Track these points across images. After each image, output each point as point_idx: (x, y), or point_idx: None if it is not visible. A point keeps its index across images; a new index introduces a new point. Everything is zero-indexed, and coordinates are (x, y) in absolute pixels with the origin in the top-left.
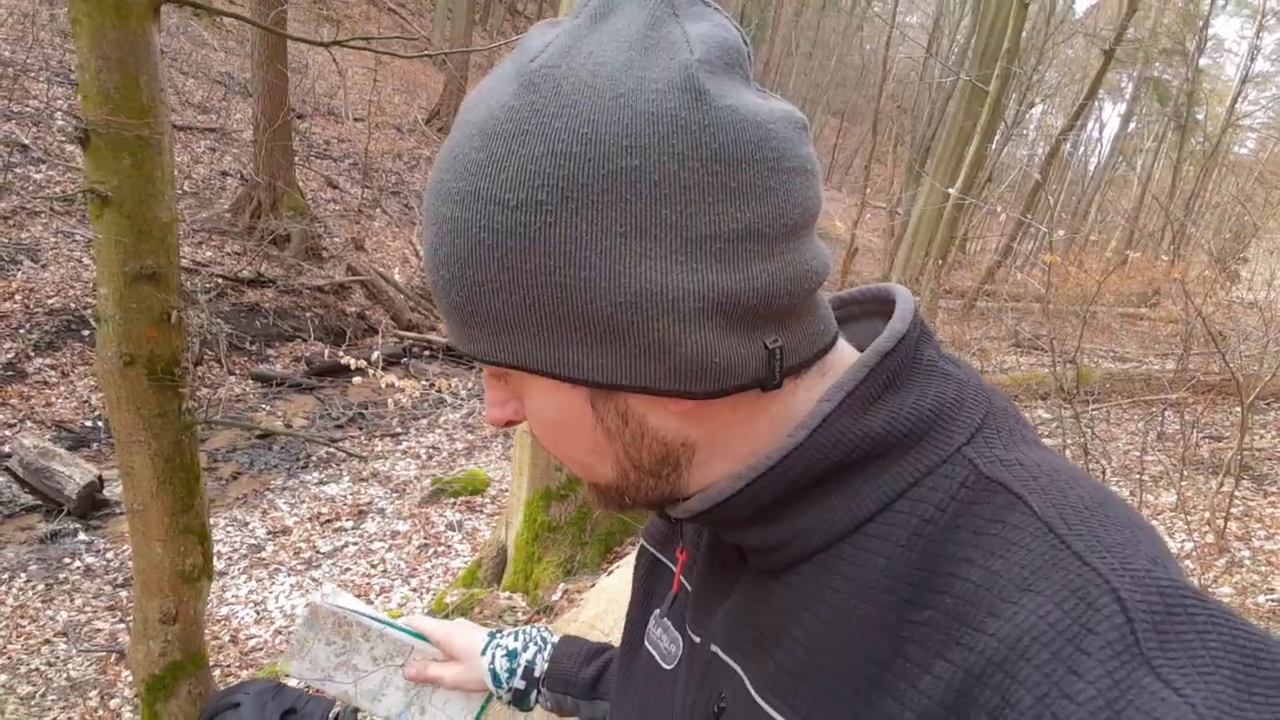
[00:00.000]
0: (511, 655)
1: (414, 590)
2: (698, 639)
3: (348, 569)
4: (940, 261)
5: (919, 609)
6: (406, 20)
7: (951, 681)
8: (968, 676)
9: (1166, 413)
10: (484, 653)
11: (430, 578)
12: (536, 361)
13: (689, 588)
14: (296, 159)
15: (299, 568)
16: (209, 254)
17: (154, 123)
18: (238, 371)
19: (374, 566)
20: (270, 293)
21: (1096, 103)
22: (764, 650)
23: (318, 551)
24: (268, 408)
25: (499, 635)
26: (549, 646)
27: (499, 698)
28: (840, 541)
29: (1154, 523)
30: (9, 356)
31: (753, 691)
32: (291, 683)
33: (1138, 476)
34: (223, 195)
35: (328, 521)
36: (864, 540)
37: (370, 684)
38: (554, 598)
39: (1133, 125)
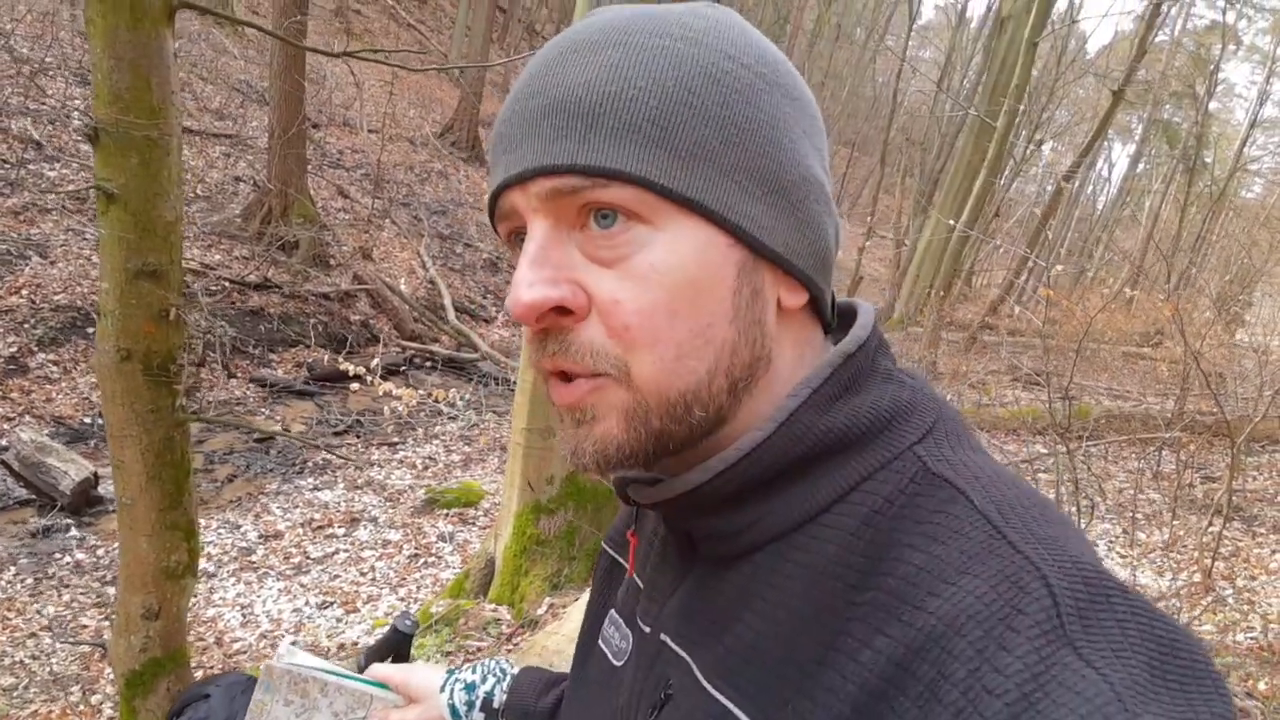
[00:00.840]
0: (470, 688)
1: (401, 600)
2: (648, 629)
3: (337, 576)
4: (943, 293)
5: (863, 591)
6: (425, 36)
7: (892, 655)
8: (907, 651)
9: (1163, 451)
10: (442, 689)
11: (418, 588)
12: (722, 202)
13: (639, 582)
14: (309, 167)
15: (289, 573)
16: (217, 257)
17: (163, 124)
18: (239, 374)
19: (363, 574)
20: (276, 298)
21: (1106, 143)
22: (713, 637)
23: (308, 557)
24: (267, 412)
25: (457, 671)
26: (508, 678)
27: None
28: (795, 531)
29: (1143, 560)
30: (12, 351)
31: (700, 677)
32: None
33: (1130, 514)
34: (235, 200)
35: (320, 528)
36: (817, 530)
37: None
38: (539, 611)
39: (1141, 166)
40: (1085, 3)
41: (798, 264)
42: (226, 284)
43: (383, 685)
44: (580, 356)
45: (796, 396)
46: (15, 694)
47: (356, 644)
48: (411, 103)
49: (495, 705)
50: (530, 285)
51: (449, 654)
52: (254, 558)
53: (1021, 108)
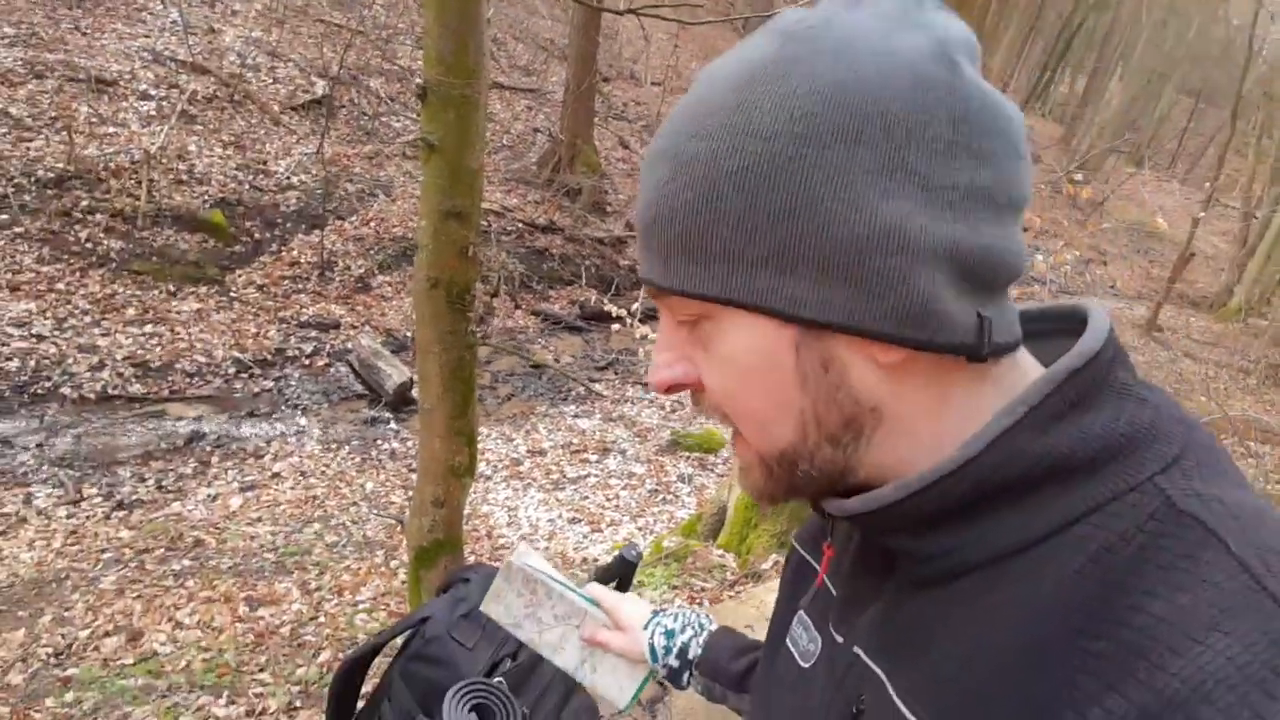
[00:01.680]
0: (669, 634)
1: (639, 528)
2: (840, 639)
3: (586, 497)
4: None
5: (1093, 639)
6: None
7: (1125, 717)
8: (1142, 714)
9: None
10: (645, 627)
11: (655, 520)
12: (756, 294)
13: (833, 589)
14: (596, 119)
15: (548, 486)
16: (514, 201)
17: (475, 84)
18: (523, 306)
19: (609, 500)
20: (558, 240)
21: None
22: (910, 657)
23: (565, 476)
24: (542, 342)
25: (661, 614)
26: (705, 633)
27: (655, 673)
28: (1005, 559)
29: None
30: (360, 272)
31: (894, 697)
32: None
33: None
34: (532, 149)
35: (576, 451)
36: (1032, 562)
37: (551, 637)
38: (764, 566)
39: None
40: None
41: (870, 327)
42: (520, 225)
43: (595, 604)
44: (713, 415)
45: (1010, 415)
46: (335, 549)
47: (596, 560)
48: (694, 55)
49: (690, 656)
50: (656, 367)
51: (675, 588)
52: (521, 469)
53: None
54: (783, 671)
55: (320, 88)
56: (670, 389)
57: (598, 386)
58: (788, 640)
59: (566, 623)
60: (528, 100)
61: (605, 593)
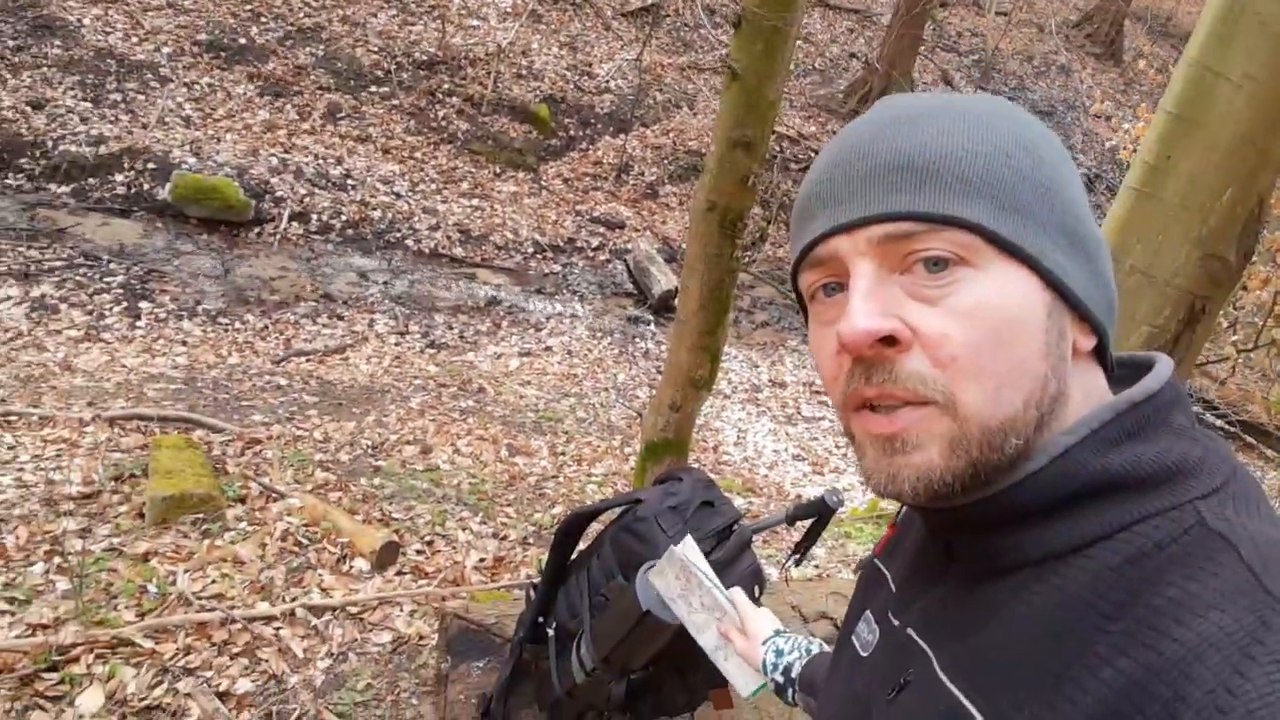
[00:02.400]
0: (779, 653)
1: (860, 483)
2: (897, 623)
3: (816, 438)
4: None
5: (1115, 621)
6: None
7: (1131, 674)
8: (1148, 672)
9: None
10: (764, 643)
11: None
12: (1038, 248)
13: (892, 582)
14: (922, 49)
15: (780, 419)
16: (812, 129)
17: (789, 17)
18: None
19: (838, 447)
20: None
21: None
22: (956, 638)
23: (799, 413)
24: None
25: (779, 635)
26: (809, 656)
27: (767, 685)
28: (1053, 559)
29: None
30: (651, 179)
31: (939, 670)
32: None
33: None
34: (843, 76)
35: (818, 392)
36: (1078, 560)
37: (697, 620)
38: None
39: None
40: None
41: (1094, 310)
42: (811, 154)
43: (733, 606)
44: (910, 383)
45: (1073, 434)
46: (583, 424)
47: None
48: None
49: (793, 675)
50: (867, 315)
51: None
52: (759, 395)
53: None
54: (843, 662)
55: None
56: (871, 345)
57: None
58: (852, 638)
59: (710, 613)
60: (850, 22)
61: (742, 600)
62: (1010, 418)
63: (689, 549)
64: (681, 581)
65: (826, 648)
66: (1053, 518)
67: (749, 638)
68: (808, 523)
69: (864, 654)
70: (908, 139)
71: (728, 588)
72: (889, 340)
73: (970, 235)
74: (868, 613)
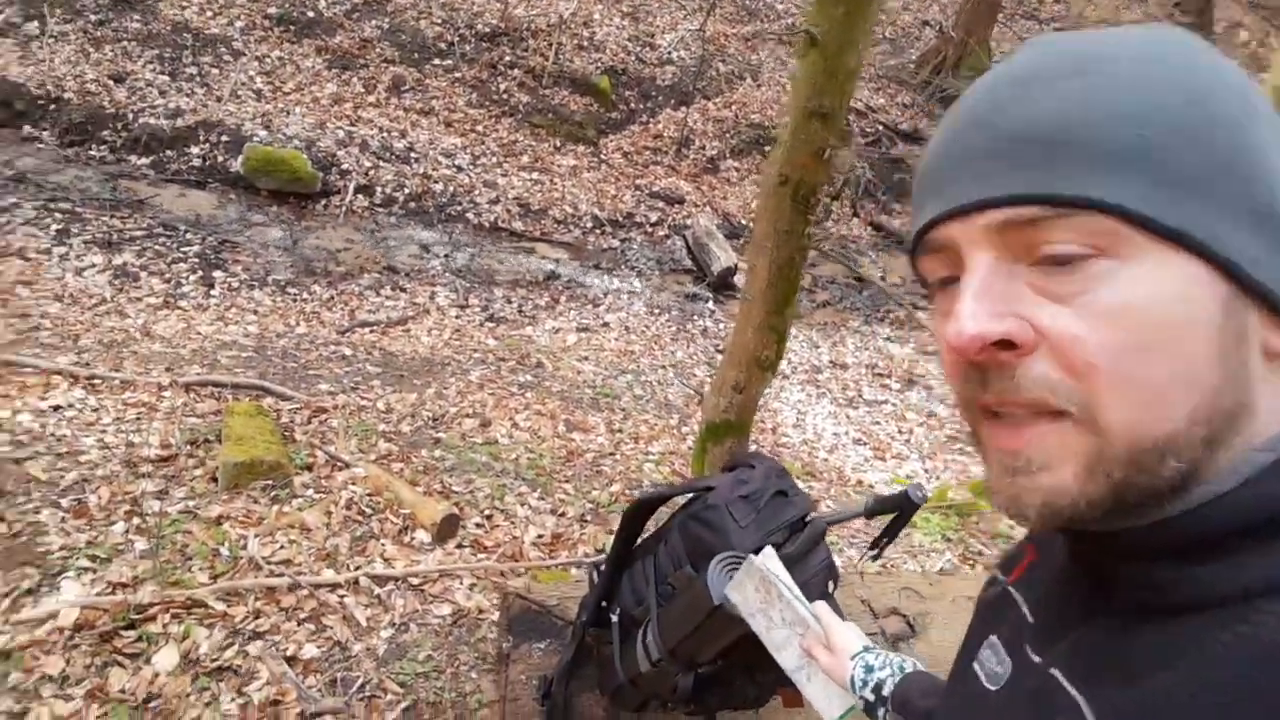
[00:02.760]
0: (869, 669)
1: (926, 470)
2: (1037, 659)
3: (878, 422)
4: None
5: None
6: None
7: None
8: None
9: None
10: (852, 658)
11: (944, 468)
12: (1209, 231)
13: (1028, 613)
14: (1001, 16)
15: (841, 401)
16: (881, 101)
17: None
18: (861, 215)
19: (901, 432)
20: (916, 150)
21: None
22: (1117, 687)
23: (860, 395)
24: (873, 256)
25: (869, 651)
26: (902, 674)
27: (857, 706)
28: (1241, 603)
29: None
30: (712, 153)
31: None
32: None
33: None
34: (915, 45)
35: (880, 374)
36: (1270, 605)
37: (777, 636)
38: None
39: None
40: None
41: None
42: (880, 128)
43: (817, 620)
44: (1036, 390)
45: (1272, 452)
46: (640, 402)
47: (872, 487)
48: None
49: (884, 692)
50: (974, 317)
51: (949, 540)
52: (820, 377)
53: None
54: (968, 694)
55: None
56: (983, 349)
57: (922, 315)
58: (975, 664)
59: (791, 628)
60: None
61: (827, 613)
62: (1169, 435)
63: (769, 559)
64: (761, 594)
65: (920, 666)
66: (1237, 551)
67: (835, 653)
68: (883, 516)
69: (991, 687)
70: (1032, 105)
71: (800, 582)
72: (1006, 344)
73: (1111, 220)
74: (995, 640)
